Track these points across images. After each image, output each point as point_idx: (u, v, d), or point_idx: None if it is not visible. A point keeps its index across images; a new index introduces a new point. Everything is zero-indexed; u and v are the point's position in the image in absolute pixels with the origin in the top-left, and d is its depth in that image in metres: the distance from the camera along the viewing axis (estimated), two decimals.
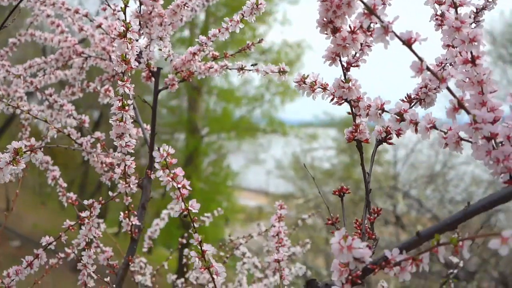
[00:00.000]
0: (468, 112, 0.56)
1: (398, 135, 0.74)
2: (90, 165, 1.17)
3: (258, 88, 12.05)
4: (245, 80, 12.09)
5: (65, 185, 1.16)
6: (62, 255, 1.21)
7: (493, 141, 0.58)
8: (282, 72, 0.91)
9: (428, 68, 0.55)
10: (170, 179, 0.67)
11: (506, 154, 0.55)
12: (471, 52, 0.59)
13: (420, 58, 0.55)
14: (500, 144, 0.57)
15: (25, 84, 1.30)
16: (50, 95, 1.17)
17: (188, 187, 0.69)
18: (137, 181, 0.98)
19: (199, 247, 0.71)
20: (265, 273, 1.51)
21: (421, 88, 0.75)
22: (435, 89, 0.74)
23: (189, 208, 0.69)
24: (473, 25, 0.79)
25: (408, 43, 0.56)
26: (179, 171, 0.68)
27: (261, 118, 11.94)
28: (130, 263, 1.07)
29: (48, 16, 1.25)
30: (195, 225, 0.71)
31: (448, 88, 0.56)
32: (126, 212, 1.04)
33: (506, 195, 0.53)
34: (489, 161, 0.56)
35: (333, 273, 0.58)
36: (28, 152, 0.70)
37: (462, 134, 0.61)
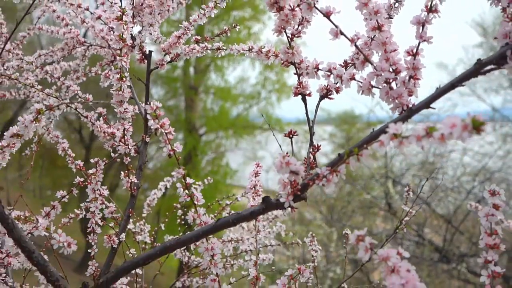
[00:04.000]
0: (371, 64, 0.77)
1: (337, 92, 0.94)
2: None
3: (254, 86, 12.27)
4: (242, 78, 12.30)
5: (73, 154, 1.36)
6: (72, 215, 1.41)
7: (394, 85, 0.79)
8: (250, 49, 1.12)
9: (341, 32, 0.76)
10: (159, 126, 0.88)
11: (399, 93, 0.76)
12: (377, 21, 0.79)
13: (335, 26, 0.76)
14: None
15: (35, 72, 1.50)
16: (58, 79, 1.38)
17: (173, 133, 0.89)
18: (134, 144, 1.18)
19: (183, 180, 0.91)
20: (252, 234, 1.72)
21: (354, 54, 0.96)
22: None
23: (174, 148, 0.89)
24: (396, 4, 0.99)
25: (327, 15, 0.76)
26: (166, 121, 0.89)
27: (258, 115, 12.14)
28: (130, 215, 1.27)
29: (54, 11, 1.46)
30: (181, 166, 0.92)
31: (356, 46, 0.77)
32: (126, 171, 1.24)
33: (399, 120, 0.74)
34: (388, 99, 0.77)
35: (279, 187, 0.78)
36: (48, 111, 0.91)
37: (373, 83, 0.82)
